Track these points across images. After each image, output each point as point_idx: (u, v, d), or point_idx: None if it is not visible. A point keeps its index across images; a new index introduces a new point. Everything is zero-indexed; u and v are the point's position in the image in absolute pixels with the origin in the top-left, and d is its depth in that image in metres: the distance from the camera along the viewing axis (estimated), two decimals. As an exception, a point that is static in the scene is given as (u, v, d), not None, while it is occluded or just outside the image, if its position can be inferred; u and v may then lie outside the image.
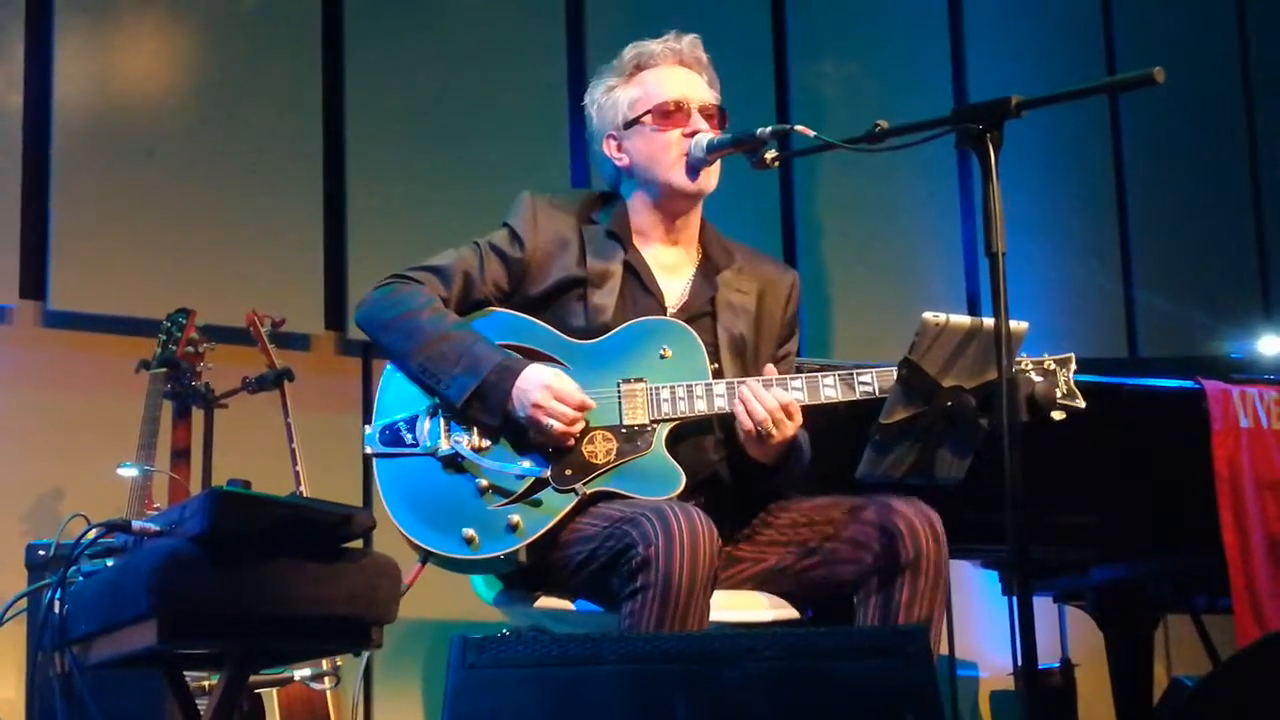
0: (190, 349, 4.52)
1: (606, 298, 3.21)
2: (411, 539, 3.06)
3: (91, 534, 2.82)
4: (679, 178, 3.25)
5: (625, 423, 3.09)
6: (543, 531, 3.01)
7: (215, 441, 4.67)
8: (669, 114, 3.25)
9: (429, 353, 3.11)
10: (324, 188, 5.50)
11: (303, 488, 4.44)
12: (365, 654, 4.49)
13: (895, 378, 2.99)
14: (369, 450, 3.12)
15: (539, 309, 3.23)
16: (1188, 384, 4.16)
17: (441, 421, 3.11)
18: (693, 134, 3.23)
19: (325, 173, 5.51)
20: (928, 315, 2.92)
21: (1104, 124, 7.07)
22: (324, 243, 5.47)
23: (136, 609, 2.64)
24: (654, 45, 3.31)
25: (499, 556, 3.02)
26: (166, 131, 5.29)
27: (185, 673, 3.12)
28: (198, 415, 4.63)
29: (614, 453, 3.07)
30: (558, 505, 3.03)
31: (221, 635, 2.71)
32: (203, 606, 2.64)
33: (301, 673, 4.24)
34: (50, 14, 5.16)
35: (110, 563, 2.92)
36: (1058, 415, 3.12)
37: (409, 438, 3.11)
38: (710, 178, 3.27)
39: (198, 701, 3.16)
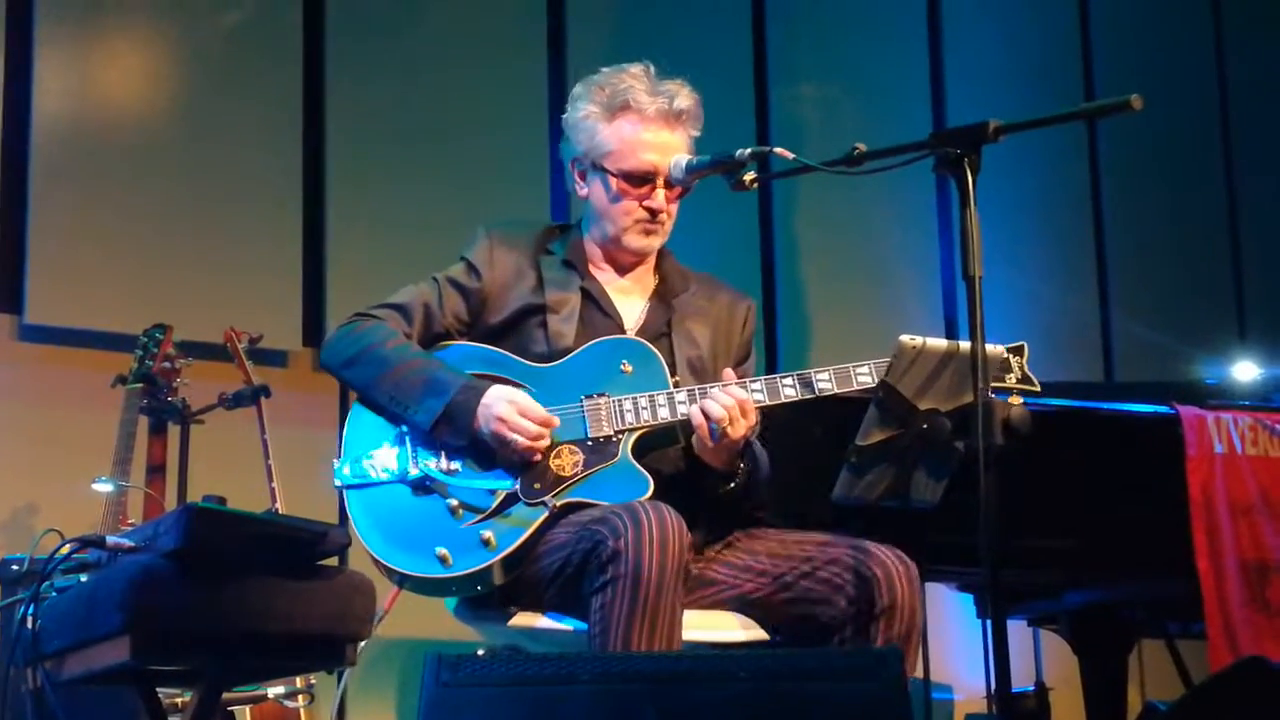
0: (167, 364, 4.52)
1: (566, 324, 3.26)
2: (386, 564, 3.06)
3: (65, 549, 2.81)
4: (631, 240, 3.31)
5: (591, 435, 3.12)
6: (515, 545, 3.02)
7: (191, 457, 4.65)
8: (635, 184, 3.27)
9: (395, 380, 3.15)
10: (303, 204, 5.50)
11: (278, 504, 4.43)
12: (339, 671, 4.47)
13: (871, 400, 3.00)
14: (338, 484, 3.14)
15: (500, 338, 3.28)
16: (1163, 409, 4.17)
17: (408, 447, 3.13)
18: (652, 210, 3.26)
19: (305, 189, 5.51)
20: (904, 338, 2.95)
21: (1082, 149, 7.10)
22: (303, 260, 5.47)
23: (110, 625, 2.63)
24: (644, 96, 3.25)
25: (473, 573, 3.01)
26: (146, 146, 5.28)
27: (158, 689, 3.11)
28: (174, 431, 4.62)
29: (581, 464, 3.10)
30: (529, 518, 3.05)
31: (195, 652, 2.70)
32: (176, 623, 2.63)
33: (275, 690, 4.22)
34: (31, 26, 5.15)
35: (84, 578, 2.91)
36: (1016, 400, 3.13)
37: (377, 467, 3.13)
38: (659, 238, 3.33)
39: (171, 718, 3.15)
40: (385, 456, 3.13)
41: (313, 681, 4.32)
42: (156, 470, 4.51)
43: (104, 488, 4.27)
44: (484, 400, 3.09)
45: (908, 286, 6.56)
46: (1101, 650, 4.30)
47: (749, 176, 3.13)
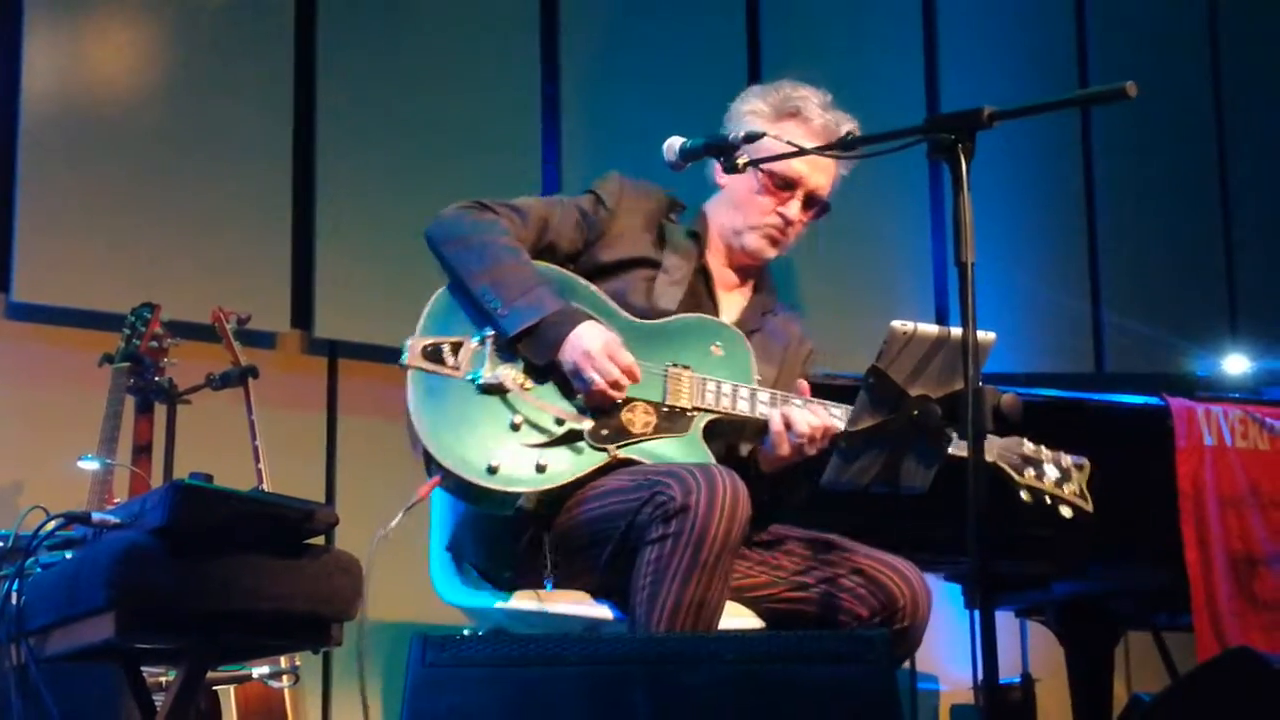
0: (154, 344, 4.49)
1: (673, 288, 3.26)
2: (434, 455, 2.98)
3: (50, 525, 2.80)
4: (751, 240, 3.35)
5: (668, 402, 3.10)
6: (566, 481, 2.99)
7: (177, 437, 4.63)
8: (781, 187, 3.30)
9: (497, 276, 3.07)
10: (292, 185, 5.47)
11: (265, 485, 4.42)
12: (324, 652, 4.46)
13: (862, 386, 3.00)
14: (404, 361, 3.04)
15: (603, 277, 3.25)
16: (1153, 400, 4.18)
17: (490, 350, 3.06)
18: (785, 218, 3.31)
19: (294, 170, 5.48)
20: (896, 324, 2.94)
21: (1075, 141, 7.10)
22: (292, 240, 5.44)
23: (94, 602, 2.62)
24: (816, 110, 3.33)
25: (513, 493, 2.97)
26: (135, 125, 5.25)
27: (143, 668, 3.09)
28: (160, 410, 4.60)
29: (652, 426, 3.08)
30: (588, 459, 3.01)
31: (180, 630, 2.70)
32: (161, 600, 2.62)
33: (260, 670, 4.21)
34: (19, 4, 5.12)
35: (69, 555, 2.90)
36: (1066, 512, 3.18)
37: (452, 359, 3.05)
38: (778, 250, 3.37)
39: (154, 697, 3.14)
40: (462, 351, 3.05)
41: (298, 663, 4.32)
42: (143, 450, 4.49)
43: (90, 466, 4.25)
44: (576, 330, 3.02)
45: (899, 275, 6.56)
46: (1088, 642, 4.31)
47: (742, 160, 3.13)
